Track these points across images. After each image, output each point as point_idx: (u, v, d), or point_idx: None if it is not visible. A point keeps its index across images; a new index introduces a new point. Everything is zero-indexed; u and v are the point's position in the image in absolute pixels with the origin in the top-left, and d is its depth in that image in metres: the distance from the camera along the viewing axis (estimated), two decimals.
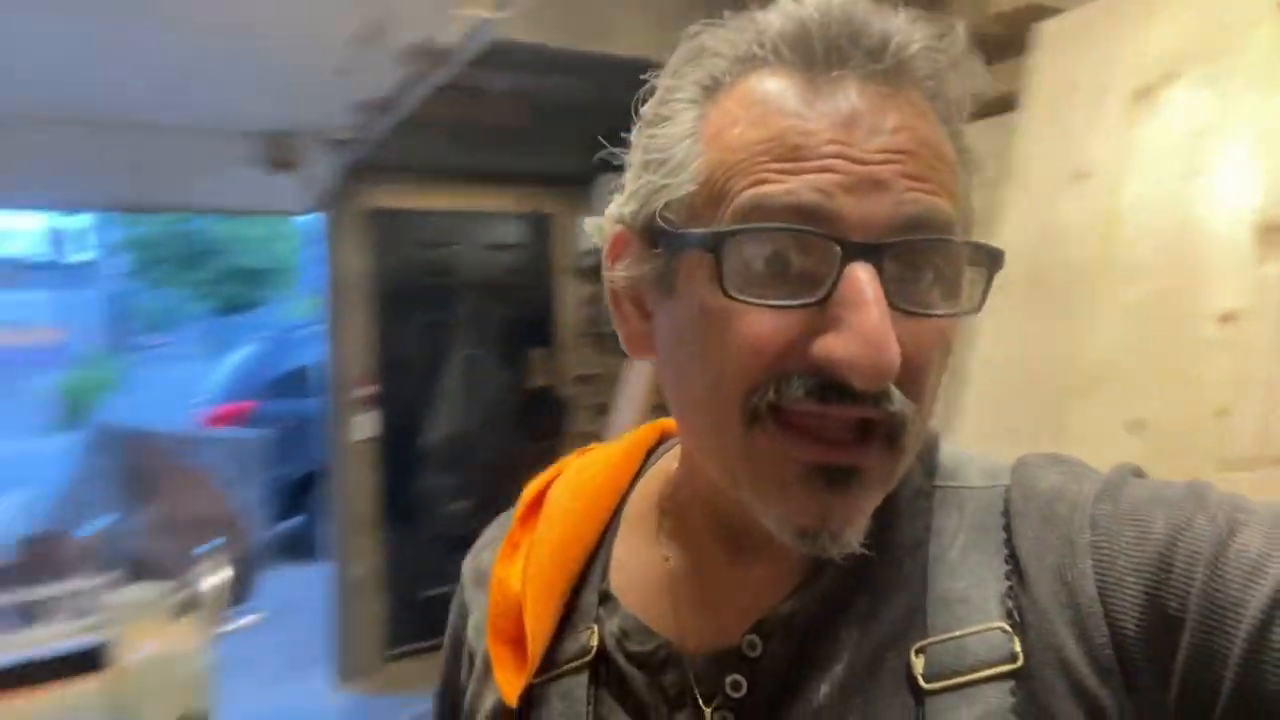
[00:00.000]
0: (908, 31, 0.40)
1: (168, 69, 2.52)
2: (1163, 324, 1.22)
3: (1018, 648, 0.41)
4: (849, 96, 0.39)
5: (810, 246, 0.39)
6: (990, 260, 0.41)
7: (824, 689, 0.43)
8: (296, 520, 5.47)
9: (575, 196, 3.75)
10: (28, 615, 1.71)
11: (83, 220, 16.18)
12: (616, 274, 0.46)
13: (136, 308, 18.64)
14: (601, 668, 0.48)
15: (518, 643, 0.50)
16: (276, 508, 5.06)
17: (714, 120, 0.41)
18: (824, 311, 0.38)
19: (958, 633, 0.42)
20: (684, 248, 0.41)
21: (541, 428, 3.80)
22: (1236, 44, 1.23)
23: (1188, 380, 1.17)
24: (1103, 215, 1.34)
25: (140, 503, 4.38)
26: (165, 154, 3.27)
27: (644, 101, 0.45)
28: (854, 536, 0.41)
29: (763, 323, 0.39)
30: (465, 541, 0.62)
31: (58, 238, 17.16)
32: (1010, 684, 0.40)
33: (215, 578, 1.71)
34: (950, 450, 0.50)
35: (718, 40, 0.43)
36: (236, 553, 4.49)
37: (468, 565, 0.60)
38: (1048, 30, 1.50)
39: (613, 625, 0.49)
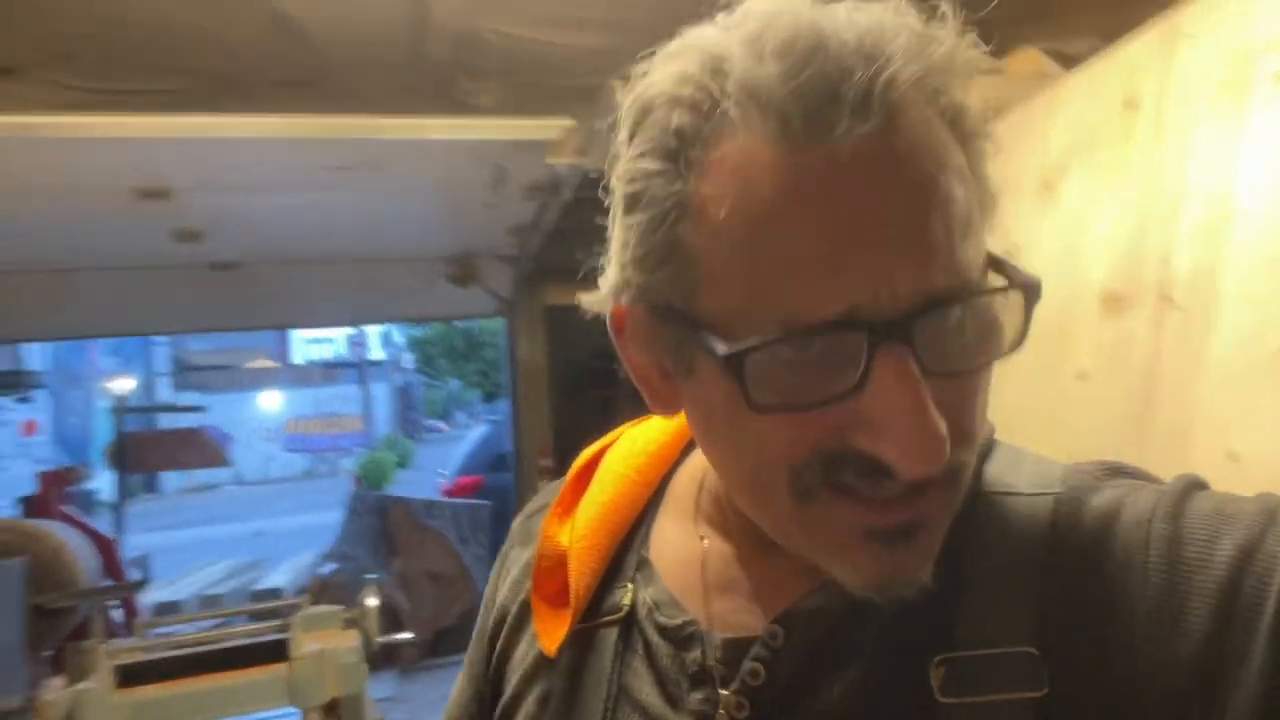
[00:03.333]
0: (894, 57, 0.35)
1: (382, 220, 3.45)
2: (1036, 379, 1.40)
3: (1045, 674, 0.38)
4: (843, 173, 0.34)
5: (835, 336, 0.35)
6: (1028, 292, 0.37)
7: (838, 688, 0.42)
8: None
9: None
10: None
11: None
12: (629, 351, 0.43)
13: (421, 398, 21.72)
14: (634, 630, 0.49)
15: (558, 597, 0.51)
16: None
17: (697, 201, 0.37)
18: (860, 399, 0.35)
19: (983, 650, 0.40)
20: (699, 345, 0.38)
21: None
22: (1102, 139, 1.41)
23: (1056, 426, 1.35)
24: None
25: (389, 555, 5.43)
26: (387, 279, 4.25)
27: (609, 171, 0.41)
28: (926, 575, 0.39)
29: (796, 420, 0.36)
30: None
31: (356, 340, 20.31)
32: (1032, 713, 0.38)
33: (371, 603, 2.30)
34: (1003, 451, 0.47)
35: (667, 81, 0.38)
36: (466, 603, 5.31)
37: (517, 525, 0.61)
38: None
39: (647, 594, 0.49)
